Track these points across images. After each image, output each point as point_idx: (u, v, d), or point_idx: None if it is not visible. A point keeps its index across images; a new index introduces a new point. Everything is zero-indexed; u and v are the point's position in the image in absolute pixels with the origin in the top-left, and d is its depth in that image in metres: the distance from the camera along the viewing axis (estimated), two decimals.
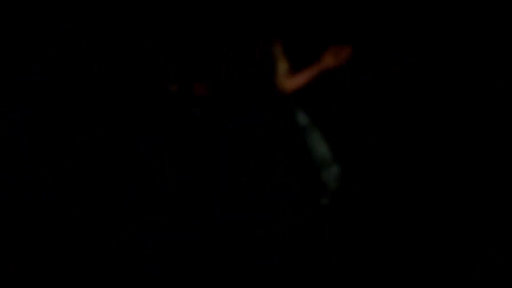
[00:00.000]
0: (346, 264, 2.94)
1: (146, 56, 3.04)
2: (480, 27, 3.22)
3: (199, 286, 2.82)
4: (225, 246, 2.79)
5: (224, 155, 2.83)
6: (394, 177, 3.10)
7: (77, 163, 2.99)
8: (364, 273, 2.94)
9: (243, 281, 2.77)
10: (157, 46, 3.04)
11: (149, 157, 2.94)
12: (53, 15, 3.05)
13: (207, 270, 2.81)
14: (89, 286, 2.86)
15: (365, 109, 3.13)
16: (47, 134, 3.00)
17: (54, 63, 3.04)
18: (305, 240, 2.82)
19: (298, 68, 2.94)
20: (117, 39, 3.06)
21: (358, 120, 3.12)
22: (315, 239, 2.85)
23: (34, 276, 2.88)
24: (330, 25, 3.14)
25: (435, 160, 3.14)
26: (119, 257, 2.88)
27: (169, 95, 2.98)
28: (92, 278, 2.87)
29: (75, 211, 2.95)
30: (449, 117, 3.20)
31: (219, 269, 2.80)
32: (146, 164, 2.94)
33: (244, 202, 2.78)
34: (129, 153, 2.97)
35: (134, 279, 2.85)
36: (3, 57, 3.02)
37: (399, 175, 3.11)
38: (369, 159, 3.10)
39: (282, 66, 2.81)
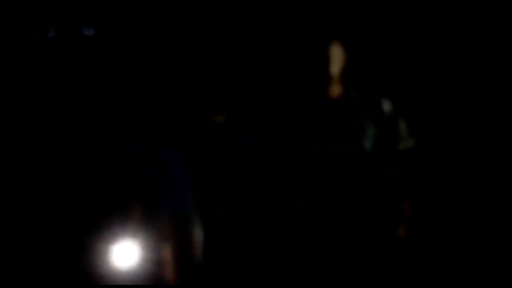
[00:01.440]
0: (346, 264, 2.94)
1: (146, 56, 3.04)
2: (480, 27, 3.22)
3: (199, 286, 2.82)
4: (225, 246, 2.79)
5: (224, 155, 2.83)
6: (394, 177, 3.10)
7: (77, 163, 2.99)
8: (363, 273, 2.94)
9: (243, 281, 2.77)
10: (157, 46, 3.04)
11: (149, 157, 2.94)
12: (53, 15, 3.05)
13: (207, 270, 2.81)
14: (89, 286, 2.86)
15: (365, 109, 3.13)
16: (47, 134, 3.00)
17: (54, 63, 3.04)
18: (305, 240, 2.82)
19: (296, 68, 2.93)
20: (117, 39, 3.06)
21: (358, 120, 3.12)
22: (315, 239, 2.85)
23: (34, 276, 2.88)
24: (330, 25, 3.14)
25: (435, 159, 3.14)
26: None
27: (169, 96, 2.98)
28: (92, 278, 2.87)
29: (75, 211, 2.95)
30: (449, 117, 3.20)
31: (219, 269, 2.80)
32: (146, 164, 2.94)
33: (244, 202, 2.78)
34: (129, 153, 2.97)
35: (134, 279, 2.85)
36: (3, 57, 3.02)
37: (398, 174, 3.11)
38: (369, 159, 3.10)
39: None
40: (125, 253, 2.79)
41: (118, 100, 3.01)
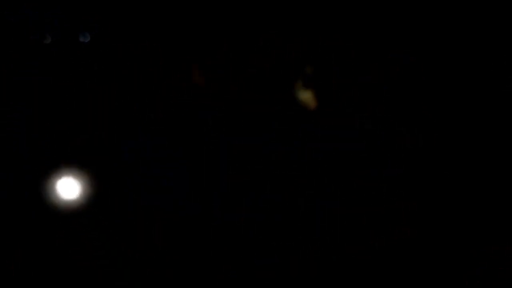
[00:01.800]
0: (346, 264, 2.94)
1: (146, 56, 3.04)
2: (480, 27, 3.22)
3: (199, 286, 2.82)
4: (225, 246, 2.79)
5: (224, 155, 2.83)
6: (394, 177, 3.10)
7: (77, 163, 2.99)
8: (363, 273, 2.94)
9: (243, 281, 2.77)
10: (157, 46, 3.04)
11: (149, 157, 2.94)
12: (52, 15, 3.05)
13: (207, 270, 2.81)
14: (89, 286, 2.86)
15: (365, 109, 3.13)
16: (47, 134, 3.00)
17: (54, 63, 3.03)
18: (305, 240, 2.82)
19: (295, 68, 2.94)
20: (117, 39, 3.06)
21: (357, 120, 3.12)
22: (315, 239, 2.85)
23: (34, 276, 2.88)
24: (331, 25, 3.14)
25: (435, 160, 3.14)
26: (119, 257, 2.88)
27: (168, 95, 2.98)
28: (92, 278, 2.87)
29: (75, 211, 2.94)
30: (449, 118, 3.20)
31: (219, 269, 2.80)
32: (146, 164, 2.94)
33: (244, 202, 2.78)
34: (129, 153, 2.97)
35: (134, 279, 2.85)
36: (3, 57, 3.02)
37: (398, 174, 3.11)
38: (368, 159, 3.10)
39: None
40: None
41: (118, 100, 3.01)
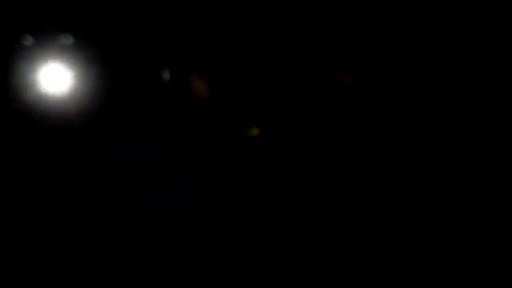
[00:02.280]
0: (346, 264, 2.94)
1: (146, 56, 3.04)
2: (480, 27, 3.22)
3: (199, 286, 2.82)
4: (225, 246, 2.79)
5: (224, 155, 2.83)
6: (394, 177, 3.10)
7: (77, 163, 2.99)
8: (363, 273, 2.94)
9: (243, 281, 2.77)
10: (157, 46, 3.04)
11: (149, 157, 2.94)
12: (52, 15, 3.05)
13: (207, 270, 2.81)
14: (89, 286, 2.86)
15: (365, 109, 3.13)
16: (48, 134, 3.00)
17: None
18: (305, 240, 2.82)
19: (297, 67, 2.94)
20: (117, 39, 3.06)
21: (358, 120, 3.12)
22: (315, 239, 2.85)
23: (34, 276, 2.88)
24: (331, 25, 3.14)
25: (435, 160, 3.14)
26: (119, 257, 2.88)
27: (168, 95, 2.98)
28: (92, 279, 2.87)
29: (75, 212, 2.94)
30: (449, 118, 3.20)
31: (219, 269, 2.80)
32: (146, 164, 2.94)
33: (244, 202, 2.78)
34: (129, 153, 2.97)
35: (134, 279, 2.85)
36: (3, 57, 3.01)
37: (398, 174, 3.11)
38: (368, 159, 3.10)
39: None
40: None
41: (118, 100, 3.01)
